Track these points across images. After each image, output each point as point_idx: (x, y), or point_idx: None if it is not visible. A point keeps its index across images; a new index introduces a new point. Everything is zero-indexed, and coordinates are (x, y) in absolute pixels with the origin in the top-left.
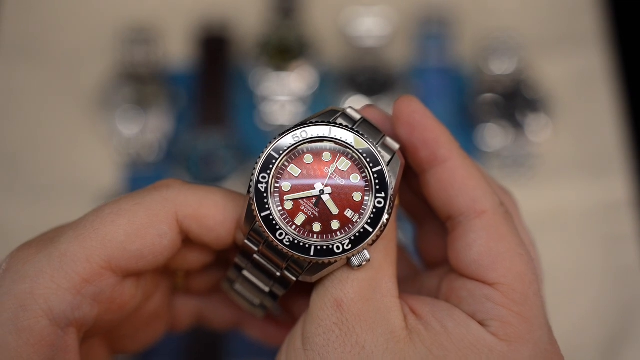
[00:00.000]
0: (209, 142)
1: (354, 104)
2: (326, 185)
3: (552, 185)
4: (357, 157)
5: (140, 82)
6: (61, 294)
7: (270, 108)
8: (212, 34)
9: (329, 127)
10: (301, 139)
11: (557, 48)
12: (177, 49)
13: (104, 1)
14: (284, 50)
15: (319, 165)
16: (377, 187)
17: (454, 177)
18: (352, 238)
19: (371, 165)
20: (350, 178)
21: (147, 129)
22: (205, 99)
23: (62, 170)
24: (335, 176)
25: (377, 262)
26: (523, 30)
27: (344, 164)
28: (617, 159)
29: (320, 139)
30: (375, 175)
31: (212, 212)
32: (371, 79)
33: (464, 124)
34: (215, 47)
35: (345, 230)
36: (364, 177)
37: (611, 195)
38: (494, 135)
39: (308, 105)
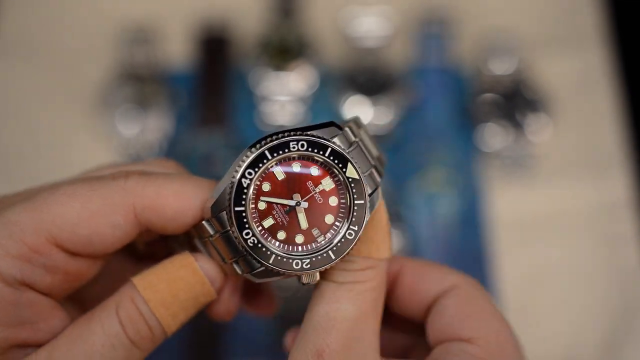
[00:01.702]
0: (209, 142)
1: (353, 112)
2: (305, 200)
3: (552, 186)
4: (344, 183)
5: (140, 82)
6: (9, 260)
7: (270, 108)
8: (212, 34)
9: (330, 147)
10: (297, 149)
11: (557, 48)
12: (177, 49)
13: (104, 1)
14: (284, 50)
15: (304, 177)
16: (353, 219)
17: (417, 272)
18: (313, 259)
19: (355, 197)
20: (329, 200)
21: (147, 129)
22: (206, 99)
23: (62, 170)
24: (317, 194)
25: (365, 315)
26: (523, 30)
27: (328, 183)
28: (617, 159)
29: (315, 155)
30: (356, 207)
31: (170, 201)
32: (371, 79)
33: (464, 124)
34: (215, 47)
35: (306, 248)
36: (342, 203)
37: (611, 195)
38: (494, 136)
39: (308, 105)
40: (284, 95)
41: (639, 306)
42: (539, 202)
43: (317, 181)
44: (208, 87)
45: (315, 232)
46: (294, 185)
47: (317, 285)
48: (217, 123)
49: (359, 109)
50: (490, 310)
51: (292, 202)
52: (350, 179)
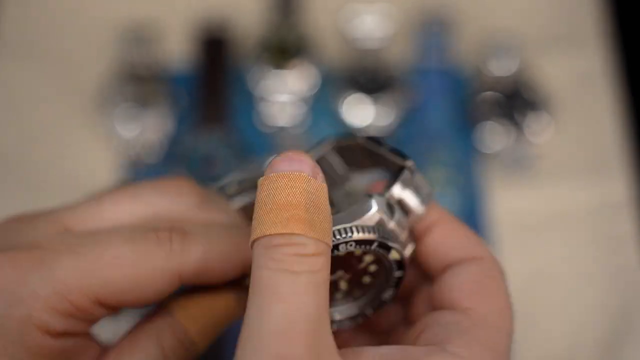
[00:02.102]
0: (209, 142)
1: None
2: (347, 273)
3: (552, 186)
4: (384, 258)
5: (140, 82)
6: (56, 316)
7: (270, 108)
8: (212, 35)
9: (375, 242)
10: (346, 249)
11: (558, 48)
12: (177, 49)
13: (104, 1)
14: (284, 50)
15: (348, 258)
16: (389, 281)
17: (451, 229)
18: (351, 317)
19: (396, 278)
20: (368, 268)
21: (147, 129)
22: (206, 99)
23: (62, 171)
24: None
25: (322, 312)
26: (523, 30)
27: (369, 258)
28: (618, 159)
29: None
30: (394, 284)
31: (216, 265)
32: (372, 79)
33: (464, 124)
34: (215, 47)
35: (345, 300)
36: (378, 272)
37: (612, 195)
38: (494, 136)
39: (309, 105)
40: (284, 95)
41: (639, 306)
42: (539, 202)
43: (360, 258)
44: (208, 87)
45: (351, 288)
46: (339, 264)
47: (259, 273)
48: (217, 123)
49: (359, 109)
50: (503, 291)
51: (334, 277)
52: (391, 258)
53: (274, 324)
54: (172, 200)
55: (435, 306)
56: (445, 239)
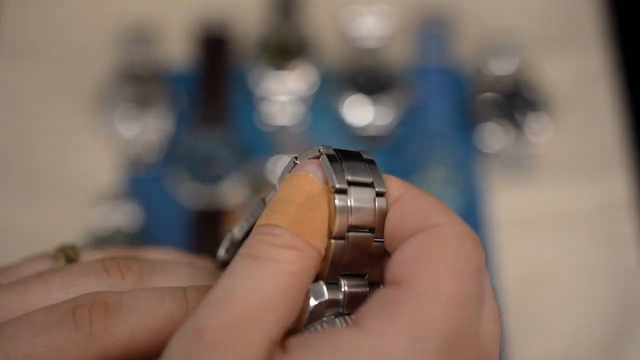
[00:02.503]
0: (209, 142)
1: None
2: None
3: (552, 186)
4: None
5: (140, 82)
6: None
7: (270, 108)
8: (212, 34)
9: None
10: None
11: (558, 48)
12: (177, 49)
13: (104, 1)
14: (284, 50)
15: None
16: None
17: (410, 204)
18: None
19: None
20: None
21: (147, 130)
22: (206, 99)
23: (61, 171)
24: None
25: (271, 298)
26: (523, 30)
27: None
28: (618, 159)
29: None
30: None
31: (150, 341)
32: (371, 79)
33: (464, 124)
34: (215, 47)
35: None
36: None
37: (612, 195)
38: (494, 136)
39: (308, 105)
40: (284, 95)
41: (639, 306)
42: (539, 202)
43: None
44: (208, 87)
45: None
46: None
47: (233, 260)
48: (217, 123)
49: (359, 108)
50: (449, 257)
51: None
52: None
53: (213, 296)
54: (109, 286)
55: (387, 279)
56: (400, 217)
